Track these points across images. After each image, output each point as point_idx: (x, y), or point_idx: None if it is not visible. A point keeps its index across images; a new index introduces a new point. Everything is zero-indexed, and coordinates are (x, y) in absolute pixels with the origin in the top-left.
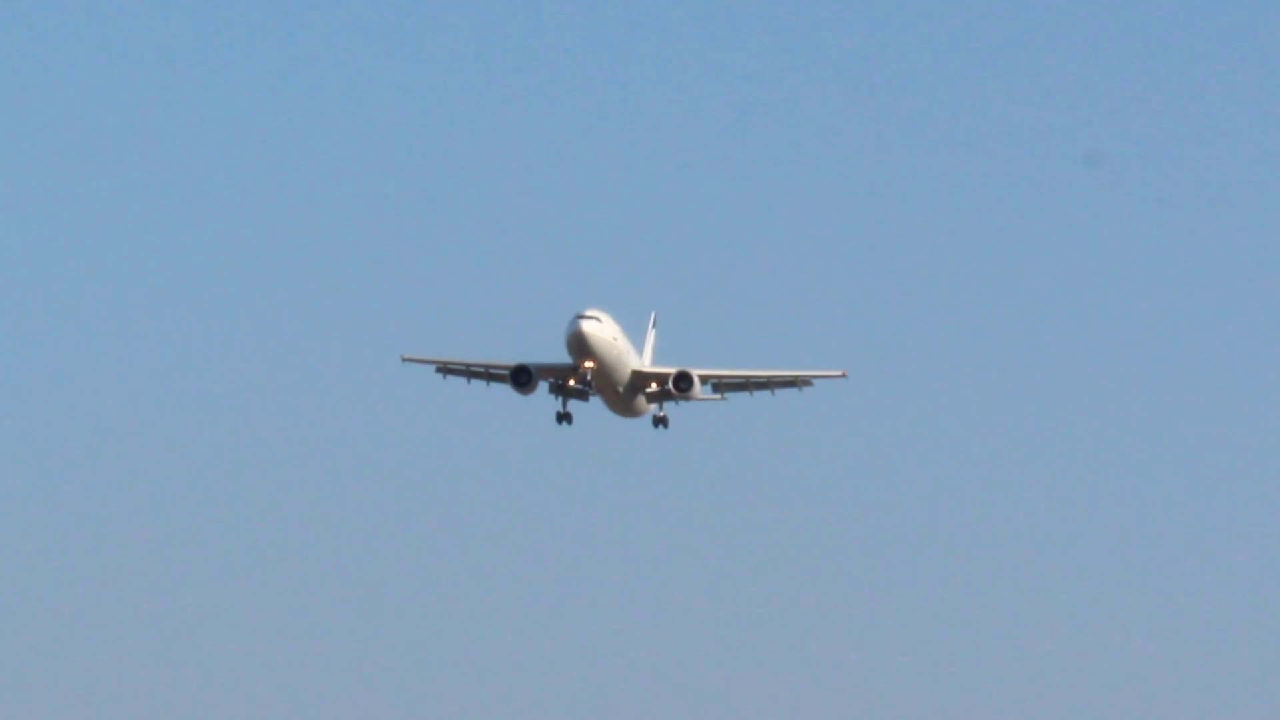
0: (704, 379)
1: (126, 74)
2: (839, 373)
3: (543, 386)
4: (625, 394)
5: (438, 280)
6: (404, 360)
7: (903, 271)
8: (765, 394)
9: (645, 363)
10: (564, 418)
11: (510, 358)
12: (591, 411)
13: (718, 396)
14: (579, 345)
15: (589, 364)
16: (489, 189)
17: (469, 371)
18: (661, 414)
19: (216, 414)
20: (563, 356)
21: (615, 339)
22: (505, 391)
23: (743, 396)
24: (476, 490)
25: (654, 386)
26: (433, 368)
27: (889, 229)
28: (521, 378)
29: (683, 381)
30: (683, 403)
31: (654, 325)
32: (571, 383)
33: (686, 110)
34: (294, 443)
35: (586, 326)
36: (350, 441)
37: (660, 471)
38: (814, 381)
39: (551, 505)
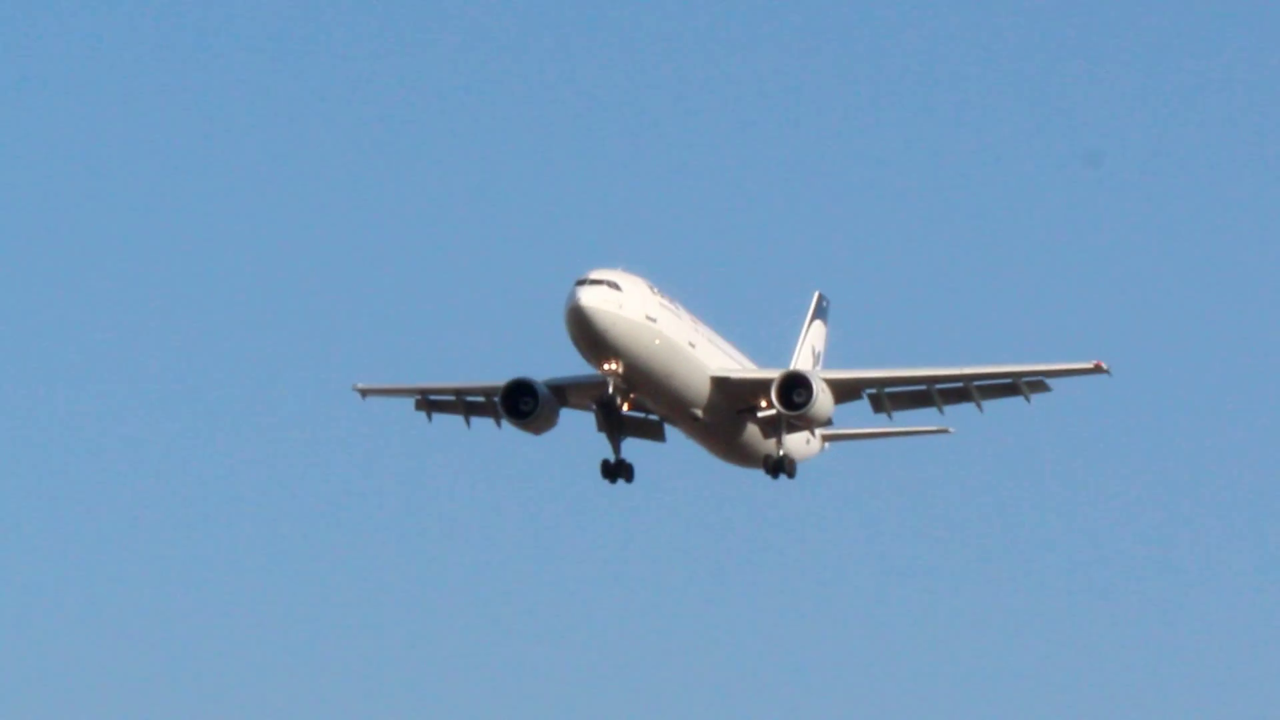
0: (848, 386)
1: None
2: (1091, 365)
3: (579, 420)
4: (712, 421)
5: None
6: (362, 393)
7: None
8: (967, 409)
9: (747, 365)
10: (617, 470)
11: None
12: (675, 456)
13: (888, 424)
14: (581, 330)
15: (610, 365)
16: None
17: (462, 403)
18: (781, 454)
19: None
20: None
21: (650, 319)
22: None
23: (927, 417)
24: (465, 581)
25: (762, 404)
26: (406, 400)
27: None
28: (523, 403)
29: (797, 391)
30: (823, 436)
31: (816, 313)
32: (625, 406)
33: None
34: (212, 500)
35: (586, 298)
36: (285, 517)
37: (768, 553)
38: (1050, 384)
39: (579, 604)
